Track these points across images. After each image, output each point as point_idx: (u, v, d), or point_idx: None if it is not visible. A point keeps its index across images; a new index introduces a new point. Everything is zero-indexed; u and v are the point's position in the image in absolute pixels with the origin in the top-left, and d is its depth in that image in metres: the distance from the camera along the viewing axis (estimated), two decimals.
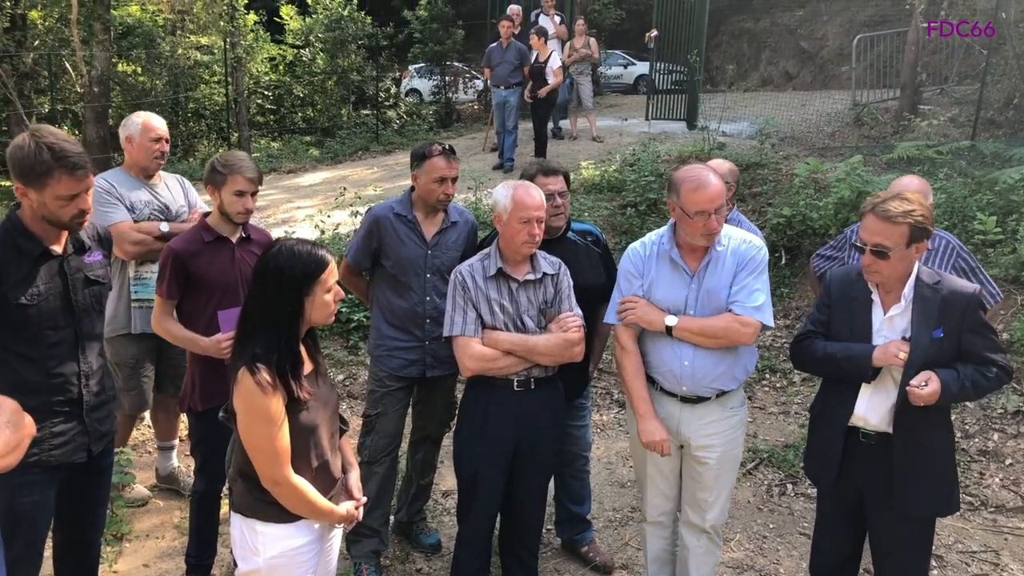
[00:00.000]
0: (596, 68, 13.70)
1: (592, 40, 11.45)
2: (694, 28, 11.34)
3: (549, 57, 9.82)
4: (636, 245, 3.09)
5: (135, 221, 3.75)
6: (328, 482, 2.33)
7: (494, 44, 10.27)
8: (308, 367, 2.29)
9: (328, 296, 2.25)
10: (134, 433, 4.66)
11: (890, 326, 2.72)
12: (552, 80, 9.79)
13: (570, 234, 3.49)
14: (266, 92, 17.21)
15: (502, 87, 10.12)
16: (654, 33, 10.84)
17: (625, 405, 4.32)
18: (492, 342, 2.94)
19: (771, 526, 4.26)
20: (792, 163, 8.46)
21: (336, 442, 2.40)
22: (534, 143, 10.12)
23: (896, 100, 10.49)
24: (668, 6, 11.54)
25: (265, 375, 2.11)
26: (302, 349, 2.27)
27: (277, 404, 2.13)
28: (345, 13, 16.47)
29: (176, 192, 4.01)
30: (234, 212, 3.17)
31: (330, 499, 2.32)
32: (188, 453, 4.00)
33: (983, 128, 8.83)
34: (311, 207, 9.05)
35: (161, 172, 3.99)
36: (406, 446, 3.87)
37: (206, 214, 3.31)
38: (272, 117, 17.61)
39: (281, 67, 18.04)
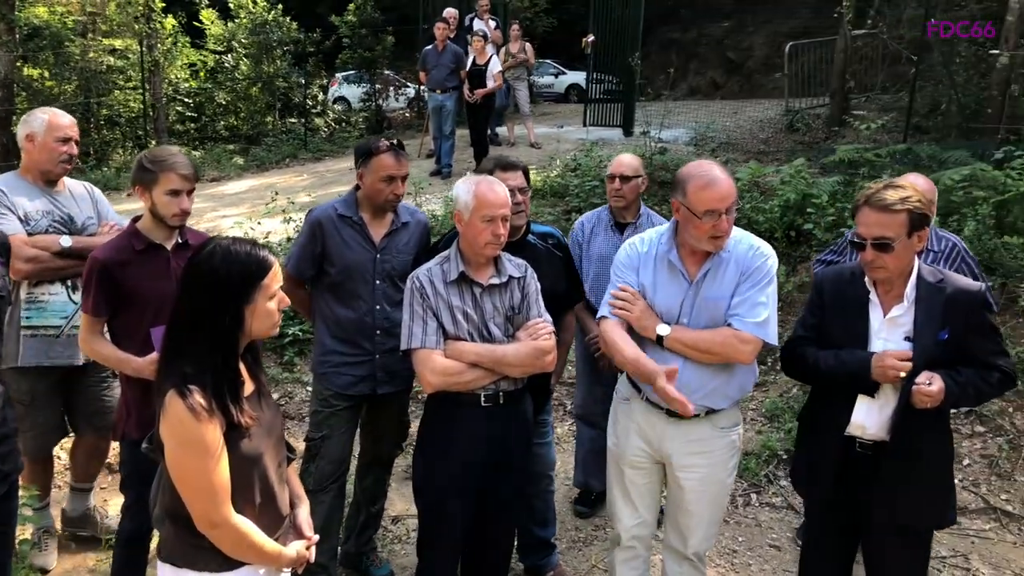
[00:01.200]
0: (531, 74, 13.55)
1: (528, 45, 11.29)
2: (629, 37, 11.32)
3: (489, 60, 9.58)
4: (635, 240, 2.82)
5: (29, 234, 3.21)
6: (275, 520, 2.00)
7: (429, 47, 10.00)
8: (249, 387, 1.96)
9: (271, 303, 1.93)
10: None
11: (891, 327, 2.51)
12: (491, 84, 9.56)
13: (531, 237, 3.24)
14: (186, 99, 16.47)
15: (438, 91, 9.84)
16: (591, 39, 10.76)
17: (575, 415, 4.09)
18: (456, 353, 2.65)
19: (740, 539, 4.08)
20: (732, 168, 8.44)
21: (283, 473, 2.07)
22: (473, 149, 9.87)
23: (826, 107, 10.68)
24: (603, 15, 11.50)
25: (198, 398, 1.78)
26: (241, 367, 1.94)
27: (214, 432, 1.80)
28: (269, 18, 15.92)
29: (83, 202, 3.45)
30: (169, 214, 2.79)
31: (277, 539, 1.99)
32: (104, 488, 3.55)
33: (911, 134, 9.01)
34: (238, 215, 8.57)
35: (66, 179, 3.44)
36: (353, 470, 3.53)
37: (135, 219, 2.90)
38: (193, 125, 16.85)
39: (202, 73, 17.31)
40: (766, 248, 2.68)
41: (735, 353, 2.58)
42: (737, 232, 2.68)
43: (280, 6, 16.33)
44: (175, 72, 16.10)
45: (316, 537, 2.14)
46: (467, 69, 9.63)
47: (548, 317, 2.80)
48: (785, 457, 4.80)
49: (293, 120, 16.10)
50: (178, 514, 1.87)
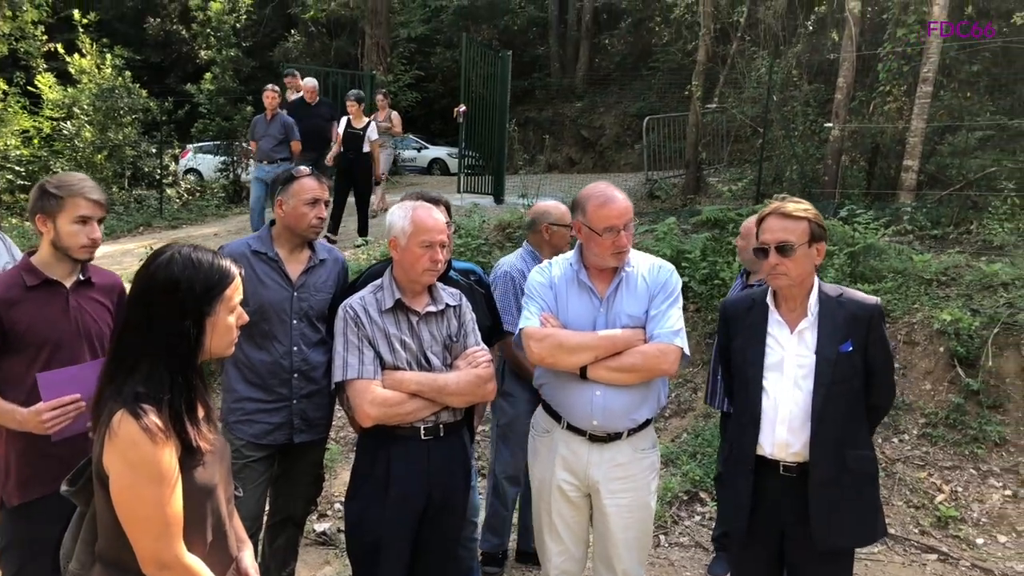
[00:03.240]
0: (397, 145, 13.56)
1: (395, 114, 11.28)
2: (497, 112, 11.72)
3: (367, 126, 9.36)
4: (543, 265, 2.87)
5: None
6: (224, 561, 1.78)
7: (259, 116, 9.37)
8: (200, 411, 1.77)
9: (232, 318, 1.79)
10: None
11: (799, 341, 2.61)
12: (367, 148, 9.34)
13: (452, 273, 3.19)
14: (17, 168, 15.22)
15: (265, 162, 9.03)
16: (462, 108, 11.02)
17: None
18: (396, 383, 2.52)
19: None
20: None
21: (232, 510, 1.86)
22: (357, 220, 9.48)
23: (682, 176, 11.46)
24: (472, 93, 11.86)
25: (154, 419, 1.58)
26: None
27: (170, 457, 1.60)
28: (118, 83, 15.18)
29: None
30: (76, 245, 2.50)
31: None
32: None
33: (760, 199, 9.80)
34: None
35: None
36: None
37: (30, 252, 2.59)
38: (24, 196, 15.54)
39: (35, 140, 16.12)
40: (668, 264, 2.83)
41: (659, 365, 2.63)
42: (637, 252, 2.81)
43: (128, 73, 15.64)
44: (5, 139, 14.89)
45: None
46: (340, 133, 9.40)
47: (485, 347, 2.75)
48: (686, 499, 4.89)
49: (141, 191, 15.24)
50: (118, 560, 1.63)
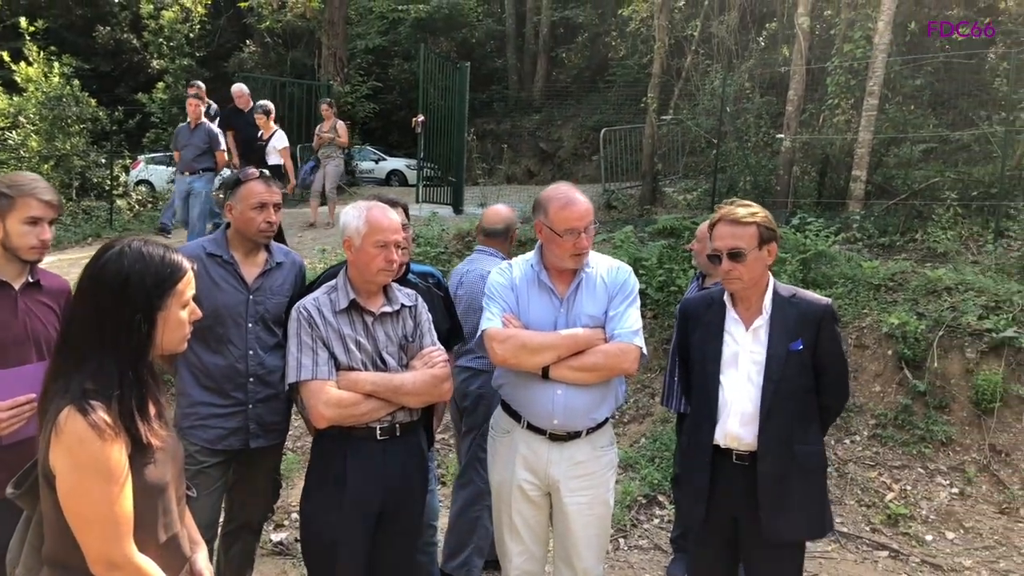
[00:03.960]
0: (346, 153, 13.15)
1: (340, 124, 10.75)
2: (455, 124, 11.73)
3: (272, 136, 9.04)
4: (503, 266, 2.88)
5: None
6: (177, 562, 1.74)
7: (183, 124, 9.12)
8: (152, 408, 1.73)
9: (184, 313, 1.76)
10: None
11: (755, 339, 2.68)
12: (274, 160, 8.93)
13: (411, 276, 3.18)
14: None
15: (187, 173, 8.71)
16: (421, 118, 11.00)
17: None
18: (351, 384, 2.50)
19: None
20: None
21: (183, 510, 1.82)
22: None
23: (639, 187, 11.60)
24: (430, 103, 11.86)
25: (102, 415, 1.54)
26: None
27: (119, 454, 1.56)
28: (66, 92, 14.83)
29: None
30: (25, 246, 2.44)
31: None
32: None
33: (714, 210, 9.97)
34: None
35: None
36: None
37: None
38: None
39: None
40: (626, 266, 2.88)
41: (620, 364, 2.66)
42: (595, 254, 2.85)
43: (77, 82, 15.30)
44: None
45: None
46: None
47: (441, 347, 2.74)
48: (645, 502, 4.93)
49: (90, 203, 14.88)
50: (66, 562, 1.58)
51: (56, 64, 15.13)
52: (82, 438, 1.52)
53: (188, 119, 8.81)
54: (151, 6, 17.71)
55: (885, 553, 4.44)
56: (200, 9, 18.37)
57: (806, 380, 2.63)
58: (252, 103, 9.70)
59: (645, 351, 2.72)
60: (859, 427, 5.48)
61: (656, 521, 4.76)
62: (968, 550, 4.46)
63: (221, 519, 3.13)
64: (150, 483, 1.64)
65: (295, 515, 4.46)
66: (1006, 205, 8.07)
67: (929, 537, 4.59)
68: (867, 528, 4.69)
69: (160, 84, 15.25)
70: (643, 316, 6.72)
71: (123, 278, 1.64)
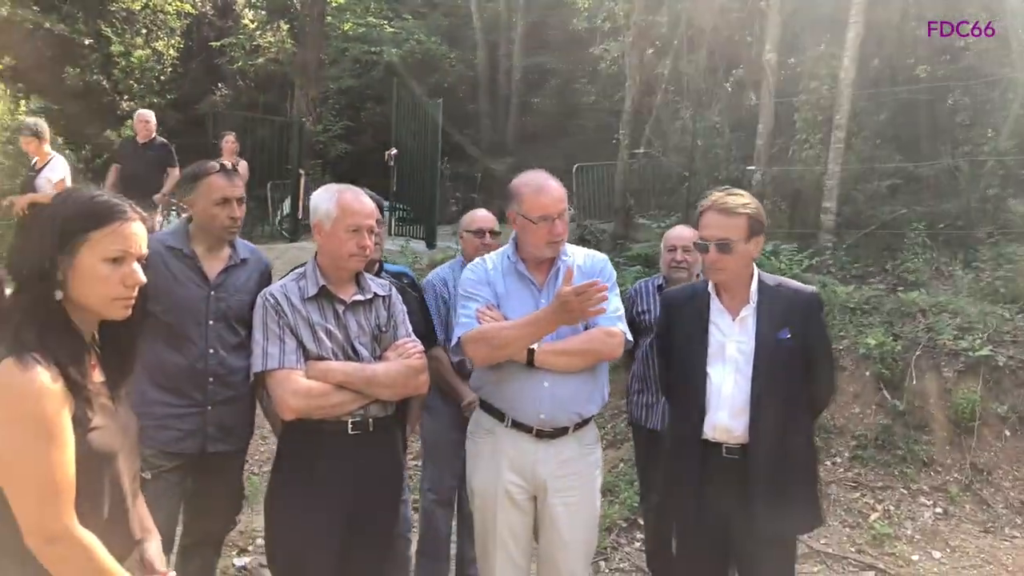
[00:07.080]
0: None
1: (243, 163, 9.09)
2: (428, 163, 11.77)
3: (48, 164, 6.96)
4: (477, 261, 2.82)
5: None
6: (125, 542, 1.58)
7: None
8: (98, 376, 1.59)
9: (106, 268, 1.54)
10: None
11: (741, 328, 2.61)
12: (48, 191, 6.61)
13: (383, 276, 3.08)
14: None
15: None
16: (393, 152, 11.00)
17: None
18: (321, 374, 2.36)
19: None
20: None
21: (136, 489, 1.66)
22: None
23: (612, 223, 11.62)
24: (403, 140, 11.88)
25: (42, 369, 1.40)
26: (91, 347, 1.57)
27: (60, 412, 1.41)
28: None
29: None
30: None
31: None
32: None
33: None
34: None
35: None
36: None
37: None
38: None
39: None
40: (602, 254, 2.84)
41: (604, 347, 2.60)
42: (571, 245, 2.80)
43: (43, 119, 15.11)
44: None
45: (173, 574, 1.71)
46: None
47: (416, 339, 2.62)
48: (625, 525, 4.78)
49: None
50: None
51: (23, 101, 14.93)
52: (21, 392, 1.38)
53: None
54: (120, 47, 17.66)
55: (872, 573, 4.33)
56: (171, 52, 18.31)
57: (795, 369, 2.56)
58: (153, 134, 8.36)
59: (629, 336, 2.65)
60: (840, 448, 5.39)
61: (637, 544, 4.61)
62: (956, 568, 4.36)
63: (179, 532, 2.93)
64: (96, 450, 1.49)
65: (260, 540, 4.23)
66: (973, 235, 8.18)
67: (915, 557, 4.48)
68: (852, 549, 4.58)
69: (129, 121, 15.04)
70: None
71: (47, 215, 1.51)
